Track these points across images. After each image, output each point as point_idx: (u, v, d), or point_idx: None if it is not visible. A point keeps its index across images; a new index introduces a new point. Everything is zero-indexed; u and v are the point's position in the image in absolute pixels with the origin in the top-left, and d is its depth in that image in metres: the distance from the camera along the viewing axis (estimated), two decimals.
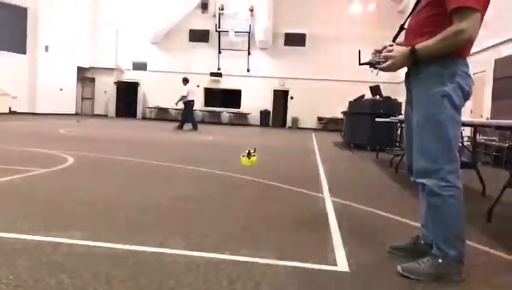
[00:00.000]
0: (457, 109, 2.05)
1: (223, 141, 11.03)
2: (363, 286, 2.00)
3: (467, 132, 8.15)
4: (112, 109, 25.13)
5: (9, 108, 19.71)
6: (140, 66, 24.68)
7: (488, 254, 2.54)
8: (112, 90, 25.05)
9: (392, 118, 8.00)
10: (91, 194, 3.67)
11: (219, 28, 23.42)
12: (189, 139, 11.23)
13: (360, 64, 2.29)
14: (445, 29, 1.94)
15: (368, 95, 11.43)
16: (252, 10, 22.95)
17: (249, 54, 23.59)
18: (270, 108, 23.90)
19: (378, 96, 10.85)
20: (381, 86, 11.09)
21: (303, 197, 4.07)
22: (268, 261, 2.17)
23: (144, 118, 24.67)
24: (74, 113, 23.75)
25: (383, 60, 2.13)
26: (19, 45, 20.46)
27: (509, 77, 9.27)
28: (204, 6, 24.02)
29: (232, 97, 24.21)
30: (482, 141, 8.45)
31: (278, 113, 24.02)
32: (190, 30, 24.27)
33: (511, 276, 2.25)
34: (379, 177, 5.98)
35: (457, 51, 2.00)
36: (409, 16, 2.26)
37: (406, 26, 2.27)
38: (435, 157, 2.04)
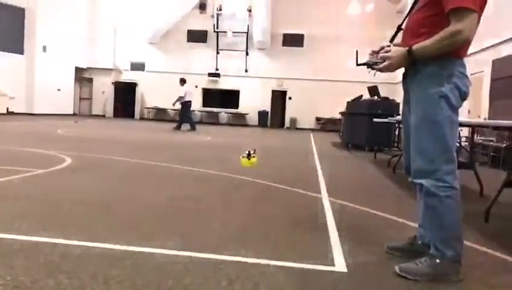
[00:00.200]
0: (455, 110, 2.05)
1: (221, 142, 11.03)
2: (361, 286, 2.01)
3: (464, 132, 8.18)
4: (109, 110, 25.07)
5: (7, 108, 19.67)
6: (138, 67, 24.65)
7: (485, 254, 2.54)
8: (110, 91, 25.00)
9: (390, 118, 8.00)
10: (89, 194, 3.67)
11: (217, 28, 23.41)
12: (187, 139, 11.22)
13: (358, 64, 2.29)
14: (442, 29, 1.94)
15: (366, 96, 11.45)
16: (250, 11, 22.93)
17: (247, 54, 23.60)
18: (268, 108, 23.88)
19: (376, 97, 10.87)
20: (379, 87, 11.12)
21: (301, 198, 4.07)
22: (267, 262, 2.17)
23: (141, 118, 24.63)
24: (72, 113, 23.70)
25: (380, 60, 2.14)
26: (16, 45, 20.40)
27: (507, 78, 9.30)
28: (202, 7, 24.01)
29: (230, 97, 24.21)
30: (480, 141, 8.47)
31: (276, 114, 24.01)
32: (188, 30, 24.27)
33: (508, 276, 2.26)
34: (377, 178, 5.99)
35: (455, 51, 2.00)
36: (406, 16, 2.26)
37: (403, 26, 2.27)
38: (432, 157, 2.05)
